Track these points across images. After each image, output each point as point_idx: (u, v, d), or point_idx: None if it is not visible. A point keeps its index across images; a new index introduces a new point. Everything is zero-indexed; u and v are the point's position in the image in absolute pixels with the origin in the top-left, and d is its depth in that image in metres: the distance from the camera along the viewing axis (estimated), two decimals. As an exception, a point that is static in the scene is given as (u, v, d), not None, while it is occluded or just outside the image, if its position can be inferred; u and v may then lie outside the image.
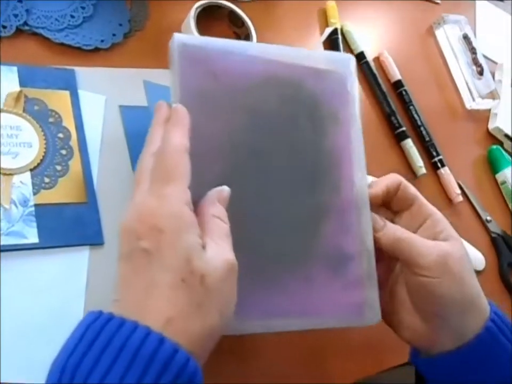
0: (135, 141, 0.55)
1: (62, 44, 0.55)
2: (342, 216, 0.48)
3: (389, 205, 0.51)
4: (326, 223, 0.47)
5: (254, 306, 0.43)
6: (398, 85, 0.78)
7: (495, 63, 0.96)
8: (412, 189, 0.50)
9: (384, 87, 0.76)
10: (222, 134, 0.45)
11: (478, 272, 0.69)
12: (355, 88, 0.51)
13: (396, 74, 0.78)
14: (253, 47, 0.50)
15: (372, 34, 0.84)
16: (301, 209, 0.46)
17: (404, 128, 0.74)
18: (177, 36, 0.45)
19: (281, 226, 0.46)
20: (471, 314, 0.48)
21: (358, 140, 0.50)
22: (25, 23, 0.54)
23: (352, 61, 0.52)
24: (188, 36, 0.47)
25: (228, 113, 0.45)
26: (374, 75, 0.76)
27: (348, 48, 0.78)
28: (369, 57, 0.78)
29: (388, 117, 0.75)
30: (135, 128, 0.55)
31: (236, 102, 0.46)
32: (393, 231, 0.48)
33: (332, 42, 0.75)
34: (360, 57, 0.77)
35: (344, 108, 0.50)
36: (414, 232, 0.49)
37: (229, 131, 0.45)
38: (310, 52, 0.52)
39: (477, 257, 0.72)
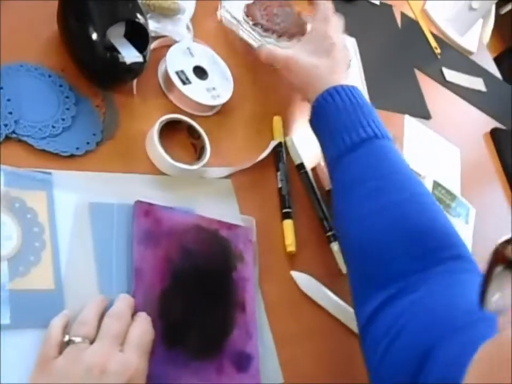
0: (99, 233, 0.64)
1: (43, 150, 0.64)
2: (246, 326, 0.66)
3: None
4: (234, 330, 0.65)
5: None
6: (331, 193, 0.90)
7: (420, 175, 1.10)
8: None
9: (319, 194, 0.88)
10: (163, 261, 0.63)
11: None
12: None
13: (329, 184, 0.90)
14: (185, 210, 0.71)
15: (311, 147, 0.96)
16: (217, 319, 0.65)
17: (333, 232, 0.85)
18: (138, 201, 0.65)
19: (202, 331, 0.63)
20: (311, 87, 0.81)
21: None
22: (13, 132, 0.63)
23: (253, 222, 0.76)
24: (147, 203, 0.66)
25: (167, 247, 0.64)
26: (311, 183, 0.88)
27: (290, 159, 0.90)
28: (308, 167, 0.90)
29: (320, 221, 0.86)
30: (100, 223, 0.64)
31: (172, 240, 0.65)
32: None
33: (276, 154, 0.87)
34: (300, 167, 0.89)
35: (247, 251, 0.70)
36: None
37: (168, 259, 0.64)
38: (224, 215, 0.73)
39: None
